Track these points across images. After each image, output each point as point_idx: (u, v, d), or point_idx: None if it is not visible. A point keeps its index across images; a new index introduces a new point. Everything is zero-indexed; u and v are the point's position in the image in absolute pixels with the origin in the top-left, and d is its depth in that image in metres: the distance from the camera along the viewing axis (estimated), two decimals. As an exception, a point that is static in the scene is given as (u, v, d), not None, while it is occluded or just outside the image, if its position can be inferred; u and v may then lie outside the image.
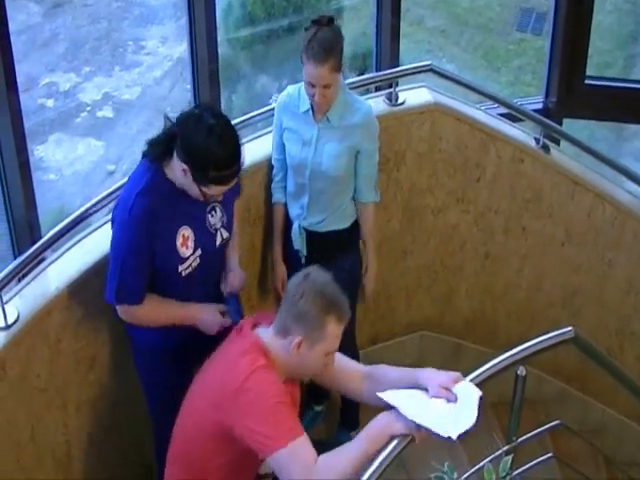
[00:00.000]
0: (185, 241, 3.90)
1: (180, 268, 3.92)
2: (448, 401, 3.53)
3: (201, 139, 3.68)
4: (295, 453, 3.50)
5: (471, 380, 3.53)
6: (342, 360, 3.84)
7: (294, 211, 4.73)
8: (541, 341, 3.74)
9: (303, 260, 4.76)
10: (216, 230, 4.02)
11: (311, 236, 4.73)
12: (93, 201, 4.13)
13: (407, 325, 5.70)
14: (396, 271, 5.46)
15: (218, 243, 4.04)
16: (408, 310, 5.65)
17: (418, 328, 5.72)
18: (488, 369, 3.58)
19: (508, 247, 5.55)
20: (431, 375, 3.65)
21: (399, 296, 5.58)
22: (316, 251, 4.74)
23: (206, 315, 4.03)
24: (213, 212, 4.00)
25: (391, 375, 3.77)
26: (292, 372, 3.72)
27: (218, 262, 4.15)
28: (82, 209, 4.10)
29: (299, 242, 4.72)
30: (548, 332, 3.82)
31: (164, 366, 4.15)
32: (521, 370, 3.54)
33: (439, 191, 5.31)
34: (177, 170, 3.76)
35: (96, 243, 4.18)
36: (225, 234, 4.06)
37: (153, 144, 3.81)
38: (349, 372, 3.86)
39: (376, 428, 3.50)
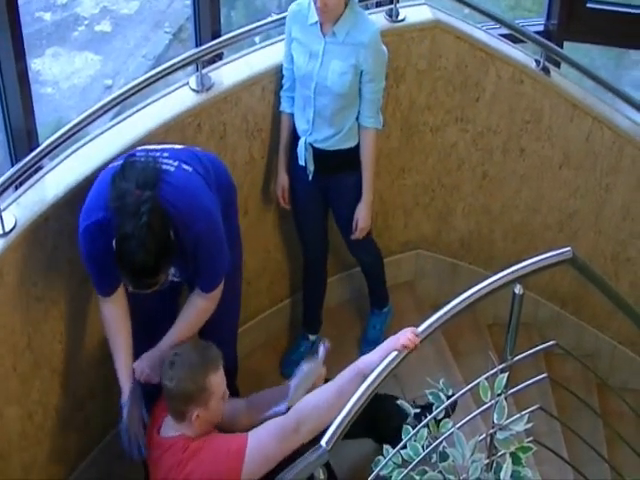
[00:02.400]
0: None
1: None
2: None
3: (117, 241, 3.62)
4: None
5: (467, 298, 3.49)
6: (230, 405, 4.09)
7: (301, 125, 4.67)
8: (539, 260, 3.69)
9: (310, 177, 4.72)
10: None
11: (317, 153, 4.68)
12: (90, 110, 4.05)
13: (404, 243, 5.66)
14: (393, 189, 5.41)
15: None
16: (405, 228, 5.61)
17: (415, 246, 5.69)
18: (485, 286, 3.54)
19: (506, 168, 5.49)
20: None
21: (396, 214, 5.53)
22: (321, 168, 4.70)
23: (125, 387, 4.03)
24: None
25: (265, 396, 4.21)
26: (210, 430, 3.94)
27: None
28: (79, 118, 4.02)
29: (305, 158, 4.67)
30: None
31: None
32: (518, 288, 3.49)
33: (438, 109, 5.23)
34: None
35: (93, 153, 4.12)
36: (176, 280, 4.03)
37: None
38: (237, 412, 4.17)
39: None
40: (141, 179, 3.60)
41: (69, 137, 3.98)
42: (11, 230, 3.83)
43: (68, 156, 4.11)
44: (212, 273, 3.99)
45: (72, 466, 4.63)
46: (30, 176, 3.99)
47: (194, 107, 4.45)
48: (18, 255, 3.89)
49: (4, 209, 3.85)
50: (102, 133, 4.19)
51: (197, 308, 4.06)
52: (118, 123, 4.28)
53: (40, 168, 4.05)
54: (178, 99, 4.47)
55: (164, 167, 3.77)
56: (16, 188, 4.01)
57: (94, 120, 4.06)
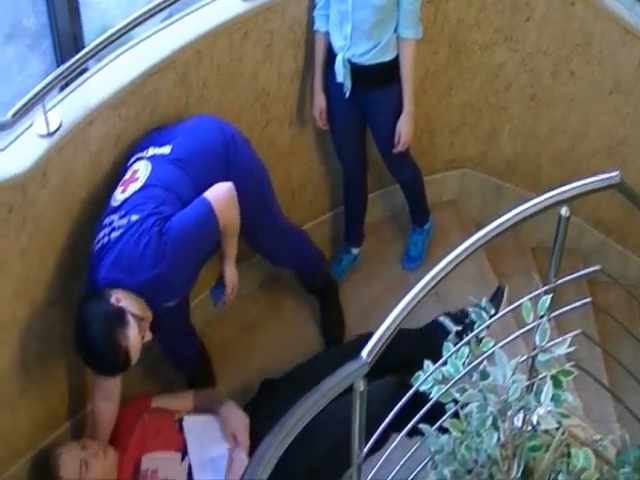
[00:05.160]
0: None
1: None
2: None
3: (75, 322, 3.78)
4: None
5: (512, 217, 3.33)
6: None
7: (337, 42, 4.51)
8: (586, 183, 3.51)
9: (347, 94, 4.57)
10: None
11: (355, 69, 4.52)
12: (137, 14, 3.88)
13: (449, 162, 5.53)
14: (440, 107, 5.25)
15: None
16: (451, 147, 5.47)
17: (460, 165, 5.55)
18: (531, 207, 3.37)
19: (555, 91, 5.31)
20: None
21: (442, 132, 5.39)
22: (359, 84, 4.56)
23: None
24: None
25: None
26: None
27: None
28: (126, 21, 3.85)
29: (343, 74, 4.52)
30: (592, 179, 3.65)
31: None
32: (565, 210, 3.33)
33: (487, 28, 5.04)
34: None
35: (139, 56, 4.01)
36: None
37: None
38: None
39: None
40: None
41: (115, 39, 3.83)
42: (56, 131, 3.71)
43: (114, 59, 3.99)
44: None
45: None
46: (75, 78, 3.87)
47: (241, 14, 4.29)
48: (62, 156, 3.78)
49: (49, 110, 3.73)
50: (149, 37, 4.07)
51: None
52: (165, 27, 4.15)
53: (85, 70, 3.93)
54: (225, 6, 4.31)
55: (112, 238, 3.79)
56: (61, 90, 3.89)
57: (141, 23, 3.89)
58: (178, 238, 3.75)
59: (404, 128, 4.67)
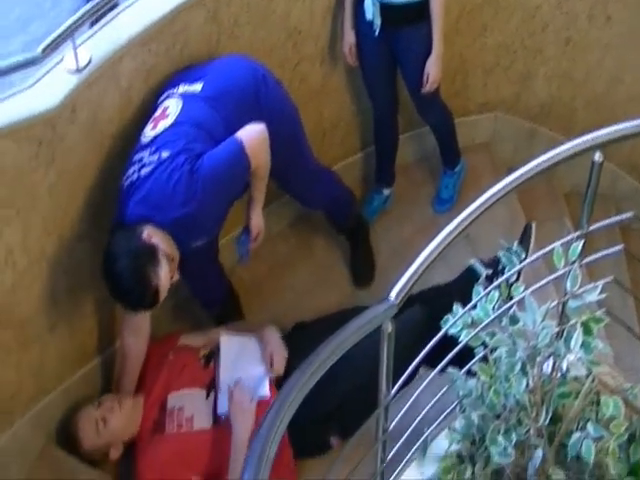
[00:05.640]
0: None
1: None
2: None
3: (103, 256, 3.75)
4: None
5: (545, 161, 3.25)
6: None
7: None
8: (621, 129, 3.42)
9: (377, 32, 4.48)
10: None
11: (384, 6, 4.42)
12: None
13: (482, 104, 5.41)
14: (474, 47, 5.13)
15: None
16: (484, 89, 5.35)
17: (493, 108, 5.44)
18: (564, 151, 3.29)
19: (591, 35, 5.16)
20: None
21: (476, 74, 5.27)
22: (389, 22, 4.46)
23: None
24: None
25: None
26: None
27: None
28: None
29: (372, 12, 4.42)
30: (628, 124, 3.54)
31: None
32: (598, 155, 3.25)
33: (524, -32, 4.88)
34: None
35: None
36: None
37: None
38: None
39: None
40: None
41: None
42: (85, 67, 3.65)
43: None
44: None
45: None
46: (106, 14, 3.79)
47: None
48: (92, 92, 3.73)
49: (79, 46, 3.66)
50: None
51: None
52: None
53: (116, 6, 3.86)
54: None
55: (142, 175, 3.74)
56: (92, 25, 3.83)
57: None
58: (209, 177, 3.69)
59: (432, 68, 4.58)
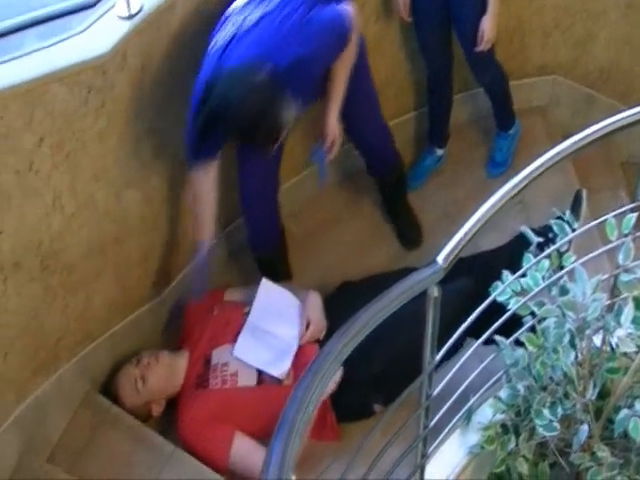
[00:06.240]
0: None
1: None
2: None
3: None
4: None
5: (601, 129, 3.03)
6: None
7: None
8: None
9: None
10: None
11: None
12: None
13: (540, 67, 5.16)
14: (532, 8, 4.87)
15: None
16: (542, 51, 5.09)
17: (551, 71, 5.17)
18: (621, 119, 3.07)
19: (654, 0, 4.85)
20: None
21: (534, 35, 5.01)
22: None
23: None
24: None
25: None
26: None
27: None
28: None
29: None
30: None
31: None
32: None
33: None
34: None
35: None
36: None
37: None
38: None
39: None
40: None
41: None
42: (137, 13, 3.49)
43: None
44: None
45: (189, 255, 4.39)
46: None
47: None
48: (143, 40, 3.57)
49: None
50: None
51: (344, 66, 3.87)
52: None
53: None
54: None
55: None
56: None
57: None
58: (323, 26, 3.61)
59: (487, 27, 4.35)
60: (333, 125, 3.94)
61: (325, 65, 3.75)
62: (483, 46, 4.41)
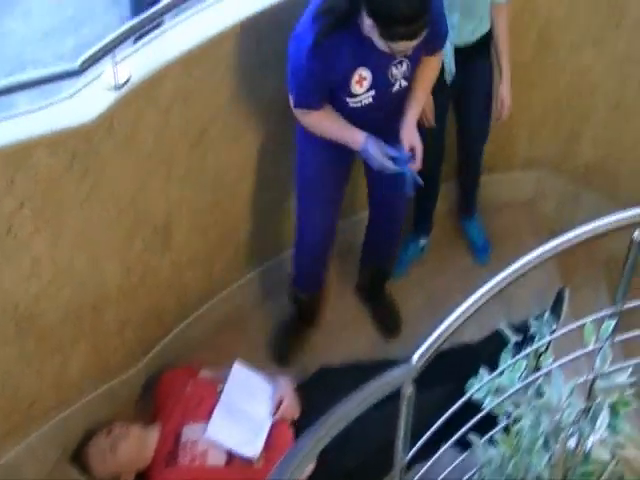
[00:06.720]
0: (361, 80, 3.51)
1: (348, 100, 3.58)
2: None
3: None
4: None
5: (583, 233, 2.90)
6: None
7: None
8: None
9: (449, 80, 4.13)
10: (396, 80, 3.57)
11: (457, 51, 4.12)
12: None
13: (526, 160, 5.06)
14: (521, 102, 4.73)
15: (394, 90, 3.59)
16: (529, 146, 5.00)
17: (537, 166, 5.07)
18: (602, 225, 2.94)
19: (641, 101, 4.82)
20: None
21: (521, 129, 4.91)
22: (458, 64, 4.13)
23: (370, 147, 3.60)
24: (399, 65, 3.53)
25: None
26: None
27: (392, 107, 3.68)
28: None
29: (448, 60, 4.09)
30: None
31: (320, 162, 3.92)
32: (638, 234, 2.90)
33: (576, 28, 4.56)
34: (365, 24, 3.33)
35: (218, 16, 3.65)
36: (404, 84, 3.61)
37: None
38: None
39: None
40: None
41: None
42: (124, 84, 3.40)
43: (191, 16, 3.64)
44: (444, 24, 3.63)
45: (169, 328, 4.36)
46: (150, 31, 3.54)
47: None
48: (130, 110, 3.48)
49: (119, 62, 3.41)
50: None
51: (433, 68, 3.75)
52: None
53: (161, 24, 3.61)
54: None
55: None
56: (136, 41, 3.56)
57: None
58: None
59: (505, 92, 4.27)
60: (410, 134, 3.72)
61: None
62: (505, 114, 4.32)
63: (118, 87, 3.37)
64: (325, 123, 3.64)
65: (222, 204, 4.16)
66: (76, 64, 3.21)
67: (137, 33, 3.38)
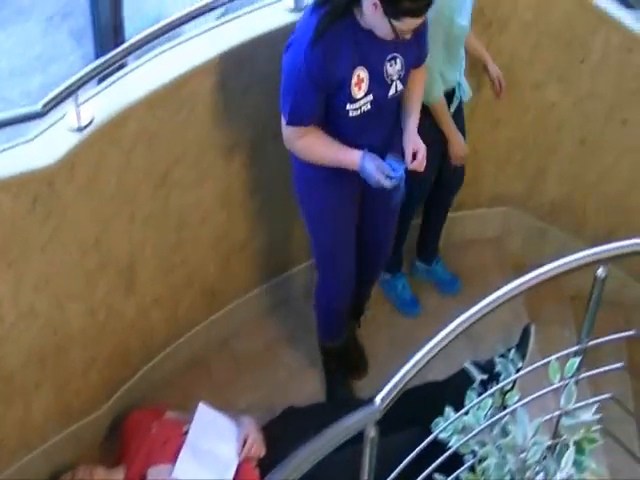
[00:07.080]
0: (359, 82, 3.48)
1: (349, 107, 3.51)
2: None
3: None
4: None
5: (549, 271, 2.91)
6: None
7: (451, 78, 4.09)
8: (628, 245, 3.06)
9: None
10: (392, 81, 3.55)
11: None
12: (185, 11, 3.48)
13: (493, 198, 5.07)
14: (487, 140, 4.81)
15: (391, 94, 3.57)
16: (495, 183, 5.01)
17: (503, 203, 5.09)
18: (566, 264, 2.96)
19: (606, 137, 4.79)
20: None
21: (487, 167, 4.93)
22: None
23: (367, 164, 3.56)
24: (393, 62, 3.52)
25: None
26: None
27: (389, 113, 3.66)
28: (172, 18, 3.48)
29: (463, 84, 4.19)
30: (640, 235, 3.19)
31: (322, 192, 3.84)
32: (601, 271, 2.92)
33: (540, 65, 4.58)
34: (367, 7, 3.30)
35: (181, 56, 3.64)
36: (400, 86, 3.59)
37: None
38: None
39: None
40: None
41: (156, 37, 3.45)
42: (87, 126, 3.39)
43: (155, 56, 3.62)
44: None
45: (134, 369, 4.33)
46: (113, 72, 3.53)
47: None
48: (92, 152, 3.47)
49: (82, 103, 3.40)
50: (195, 37, 3.69)
51: (420, 80, 3.75)
52: (212, 28, 3.74)
53: (124, 65, 3.59)
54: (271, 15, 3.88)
55: None
56: (99, 82, 3.56)
57: (189, 21, 3.51)
58: None
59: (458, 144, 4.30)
60: (414, 138, 3.69)
61: None
62: (461, 158, 4.34)
63: (81, 129, 3.36)
64: (319, 147, 3.59)
65: (186, 245, 4.13)
66: (38, 106, 3.21)
67: (101, 74, 3.37)
